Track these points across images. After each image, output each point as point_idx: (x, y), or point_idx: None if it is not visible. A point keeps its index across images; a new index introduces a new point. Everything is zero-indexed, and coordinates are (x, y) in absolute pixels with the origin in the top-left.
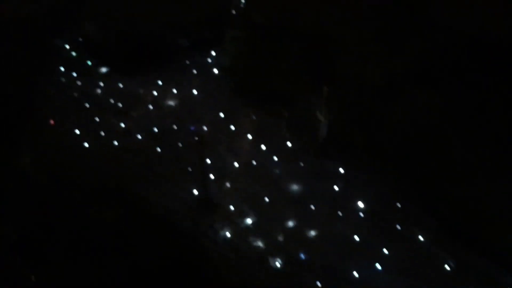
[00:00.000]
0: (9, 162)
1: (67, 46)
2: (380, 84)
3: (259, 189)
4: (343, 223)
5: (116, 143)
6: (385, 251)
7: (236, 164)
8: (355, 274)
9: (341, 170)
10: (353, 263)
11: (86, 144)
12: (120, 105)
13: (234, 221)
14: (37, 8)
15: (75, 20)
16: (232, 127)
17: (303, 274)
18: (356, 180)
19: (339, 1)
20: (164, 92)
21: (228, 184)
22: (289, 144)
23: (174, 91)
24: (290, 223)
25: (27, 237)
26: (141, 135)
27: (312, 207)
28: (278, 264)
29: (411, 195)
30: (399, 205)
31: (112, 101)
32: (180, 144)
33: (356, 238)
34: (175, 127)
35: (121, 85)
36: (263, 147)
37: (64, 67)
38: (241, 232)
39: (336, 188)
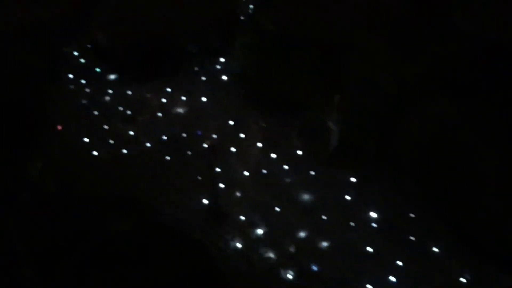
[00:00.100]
0: (18, 170)
1: (76, 53)
2: (394, 92)
3: (270, 198)
4: (356, 234)
5: (125, 151)
6: (399, 262)
7: (246, 173)
8: (369, 286)
9: (353, 180)
10: (366, 275)
11: (95, 153)
12: (129, 112)
13: (244, 232)
14: (46, 15)
15: (84, 27)
16: (242, 135)
17: (315, 286)
18: (369, 190)
19: (352, 7)
20: (173, 99)
21: (238, 194)
22: (299, 152)
23: (183, 98)
24: (302, 234)
25: (36, 249)
26: (150, 143)
27: (324, 217)
28: (290, 276)
29: (425, 205)
30: (412, 215)
31: (121, 108)
32: (189, 152)
33: (369, 249)
34: (184, 135)
35: (130, 92)
36: (273, 155)
37: (72, 74)
38: (252, 243)
39: (348, 197)
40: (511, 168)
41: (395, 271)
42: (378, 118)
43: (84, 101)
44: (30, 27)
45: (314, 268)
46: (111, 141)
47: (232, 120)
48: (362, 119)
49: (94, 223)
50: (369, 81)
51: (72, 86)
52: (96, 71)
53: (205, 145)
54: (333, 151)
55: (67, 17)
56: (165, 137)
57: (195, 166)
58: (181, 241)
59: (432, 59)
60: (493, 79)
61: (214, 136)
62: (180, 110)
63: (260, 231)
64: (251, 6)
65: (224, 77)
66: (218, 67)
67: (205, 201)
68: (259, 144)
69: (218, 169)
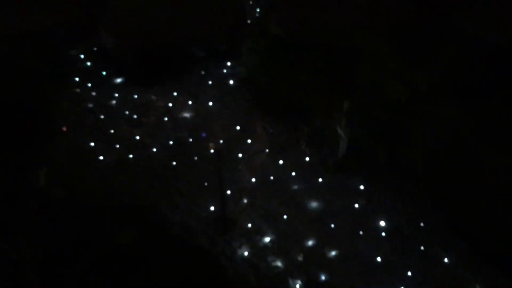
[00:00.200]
0: (24, 177)
1: (82, 56)
2: (404, 97)
3: (277, 205)
4: (365, 243)
5: (131, 156)
6: (409, 273)
7: (253, 179)
8: None
9: (362, 187)
10: (375, 285)
11: (101, 157)
12: (135, 116)
13: (252, 239)
14: (53, 19)
15: (91, 30)
16: (249, 141)
17: None
18: (378, 198)
19: (361, 12)
20: (180, 103)
21: (245, 200)
22: (307, 159)
23: (190, 102)
24: (310, 242)
25: (41, 256)
26: (156, 148)
27: (332, 225)
28: (298, 285)
29: (436, 214)
30: (423, 224)
31: (127, 112)
32: (195, 158)
33: (378, 259)
34: (190, 139)
35: (136, 96)
36: (281, 161)
37: (79, 78)
38: (259, 250)
39: (356, 205)
40: None
41: (405, 281)
42: (388, 125)
43: (90, 105)
44: (36, 31)
45: (323, 277)
46: (117, 146)
47: (239, 125)
48: (371, 126)
49: (100, 230)
50: (378, 87)
51: (78, 90)
52: (102, 74)
53: (209, 147)
54: (342, 158)
55: (74, 21)
56: (171, 142)
57: (201, 171)
58: (187, 248)
59: (441, 64)
60: (502, 83)
61: (221, 141)
62: (186, 114)
63: (267, 239)
64: (258, 10)
65: (231, 82)
66: (224, 71)
67: (212, 208)
68: (266, 150)
69: (225, 175)
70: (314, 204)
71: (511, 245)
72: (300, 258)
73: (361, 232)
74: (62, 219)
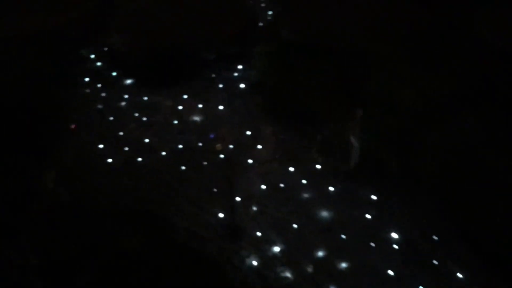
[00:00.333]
0: (30, 177)
1: (93, 56)
2: (418, 106)
3: (287, 214)
4: (376, 255)
5: (139, 159)
6: None
7: (263, 186)
8: None
9: (374, 198)
10: None
11: (110, 160)
12: (144, 119)
13: (261, 249)
14: (63, 18)
15: (101, 30)
16: (259, 146)
17: None
18: (390, 209)
19: (375, 17)
20: (189, 106)
21: (254, 208)
22: (318, 167)
23: (200, 105)
24: (320, 253)
25: (48, 261)
26: (165, 152)
27: (343, 236)
28: None
29: (449, 227)
30: (436, 237)
31: (136, 114)
32: (205, 163)
33: (390, 272)
34: (200, 144)
35: (145, 98)
36: (291, 169)
37: (89, 78)
38: (268, 260)
39: (368, 216)
40: None
41: None
42: (401, 134)
43: (99, 106)
44: (46, 31)
45: None
46: (126, 148)
47: (249, 130)
48: (384, 135)
49: (105, 235)
50: (392, 95)
51: (87, 90)
52: (112, 75)
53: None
54: (353, 166)
55: (84, 21)
56: (180, 146)
57: (210, 177)
58: (194, 256)
59: (456, 72)
60: None
61: (231, 146)
62: (196, 118)
63: (277, 249)
64: (270, 13)
65: (242, 85)
66: (235, 74)
67: (220, 215)
68: (277, 157)
69: (234, 181)
70: (324, 214)
71: None
72: (309, 270)
73: (372, 244)
74: (68, 223)
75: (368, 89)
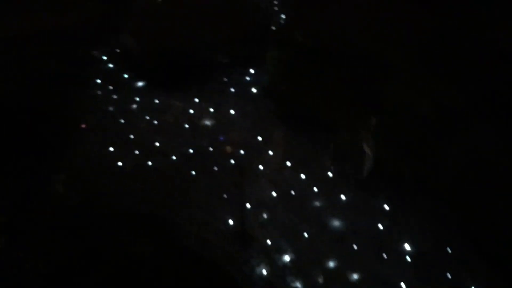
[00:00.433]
0: (40, 181)
1: (105, 58)
2: (433, 116)
3: (298, 222)
4: (388, 267)
5: (150, 163)
6: None
7: (273, 193)
8: None
9: (387, 207)
10: None
11: (120, 163)
12: (155, 122)
13: (271, 257)
14: (76, 19)
15: (114, 32)
16: (270, 152)
17: None
18: (403, 219)
19: (390, 23)
20: (201, 110)
21: (265, 215)
22: (330, 174)
23: (211, 109)
24: (331, 264)
25: (55, 265)
26: (175, 156)
27: (355, 246)
28: None
29: (463, 238)
30: (450, 250)
31: (147, 117)
32: (215, 168)
33: (402, 284)
34: (210, 148)
35: (157, 101)
36: (303, 176)
37: (100, 80)
38: (278, 270)
39: (380, 226)
40: None
41: None
42: (416, 143)
43: (110, 108)
44: (57, 31)
45: None
46: (136, 152)
47: (261, 136)
48: (399, 144)
49: (115, 241)
50: (407, 103)
51: (99, 92)
52: (124, 77)
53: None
54: (366, 175)
55: (97, 22)
56: (191, 150)
57: (221, 183)
58: (204, 264)
59: (472, 82)
60: None
61: (242, 151)
62: (207, 122)
63: (287, 258)
64: (283, 16)
65: (254, 90)
66: (247, 78)
67: (231, 221)
68: (288, 163)
69: (245, 188)
70: (336, 223)
71: None
72: (320, 280)
73: (384, 255)
74: (77, 228)
75: (383, 97)
